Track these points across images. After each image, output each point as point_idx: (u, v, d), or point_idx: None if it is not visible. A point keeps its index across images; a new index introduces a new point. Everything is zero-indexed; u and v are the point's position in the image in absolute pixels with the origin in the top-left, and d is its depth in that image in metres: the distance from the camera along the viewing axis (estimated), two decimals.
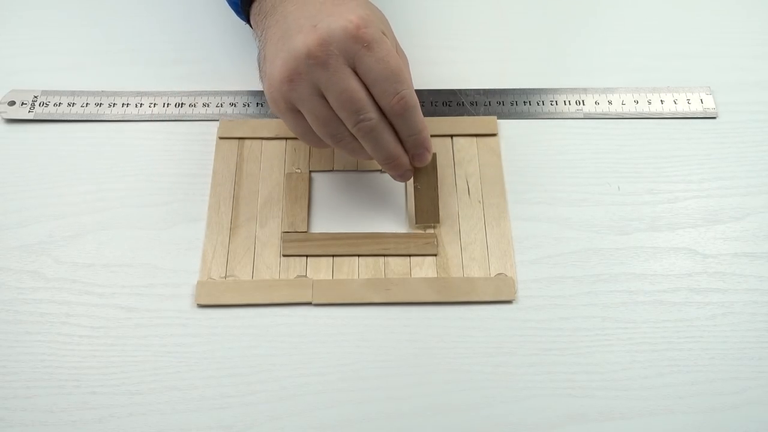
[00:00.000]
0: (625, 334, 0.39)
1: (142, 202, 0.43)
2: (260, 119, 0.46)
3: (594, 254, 0.42)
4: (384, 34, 0.37)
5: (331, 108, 0.37)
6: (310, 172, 0.44)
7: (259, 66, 0.40)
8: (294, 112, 0.38)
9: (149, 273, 0.41)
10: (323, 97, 0.37)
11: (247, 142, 0.45)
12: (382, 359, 0.38)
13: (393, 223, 0.43)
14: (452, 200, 0.43)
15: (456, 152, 0.45)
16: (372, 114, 0.37)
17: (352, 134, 0.38)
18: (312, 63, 0.36)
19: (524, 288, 0.40)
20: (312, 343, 0.39)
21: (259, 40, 0.40)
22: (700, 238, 0.42)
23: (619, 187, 0.44)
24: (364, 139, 0.38)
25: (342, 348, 0.39)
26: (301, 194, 0.43)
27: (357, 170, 0.45)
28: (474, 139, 0.46)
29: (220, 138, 0.45)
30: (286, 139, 0.45)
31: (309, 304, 0.40)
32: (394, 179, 0.41)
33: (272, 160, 0.44)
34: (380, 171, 0.44)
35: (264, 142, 0.45)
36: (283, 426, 0.36)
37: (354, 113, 0.37)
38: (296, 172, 0.44)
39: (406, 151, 0.40)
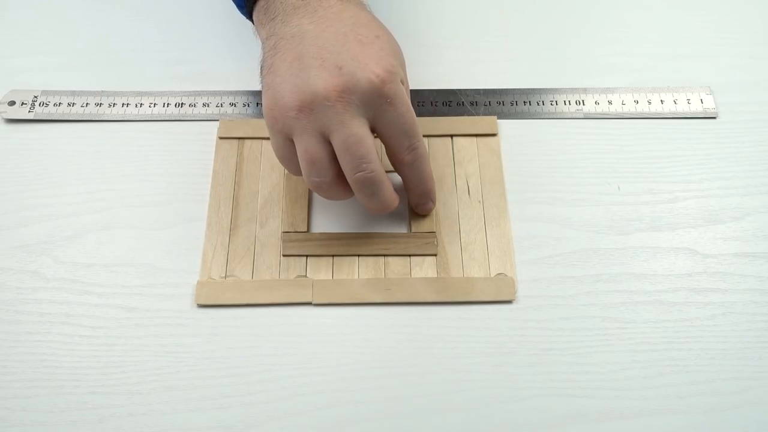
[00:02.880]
0: (625, 334, 0.39)
1: (142, 202, 0.43)
2: (260, 119, 0.46)
3: (594, 254, 0.42)
4: (402, 81, 0.37)
5: (325, 150, 0.36)
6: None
7: (261, 70, 0.39)
8: (286, 139, 0.37)
9: (149, 273, 0.41)
10: (323, 138, 0.36)
11: (247, 142, 0.45)
12: (382, 359, 0.38)
13: (393, 223, 0.43)
14: (452, 200, 0.43)
15: (456, 152, 0.45)
16: (375, 165, 0.36)
17: (335, 183, 0.37)
18: (328, 105, 0.35)
19: (524, 288, 0.40)
20: (312, 343, 0.39)
21: (265, 44, 0.39)
22: (700, 238, 0.42)
23: (619, 187, 0.44)
24: (362, 189, 0.37)
25: (342, 348, 0.39)
26: (301, 194, 0.43)
27: None
28: (474, 139, 0.46)
29: (220, 138, 0.45)
30: None
31: (309, 304, 0.40)
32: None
33: (272, 160, 0.44)
34: None
35: (264, 142, 0.45)
36: (283, 426, 0.36)
37: (358, 159, 0.36)
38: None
39: (409, 199, 0.41)
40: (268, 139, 0.45)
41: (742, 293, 0.40)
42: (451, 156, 0.45)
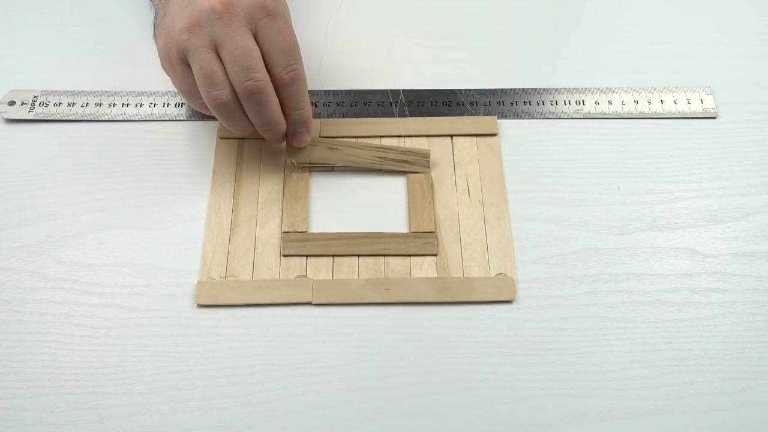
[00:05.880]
0: (625, 334, 0.39)
1: (142, 202, 0.43)
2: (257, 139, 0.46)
3: (594, 254, 0.42)
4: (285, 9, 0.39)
5: (219, 64, 0.38)
6: (310, 171, 0.44)
7: (155, 25, 0.42)
8: (183, 65, 0.39)
9: (149, 273, 0.41)
10: (216, 53, 0.38)
11: (247, 142, 0.45)
12: (382, 359, 0.38)
13: (393, 223, 0.43)
14: (452, 200, 0.43)
15: (456, 152, 0.45)
16: (262, 75, 0.38)
17: (233, 98, 0.39)
18: (215, 18, 0.37)
19: (524, 288, 0.40)
20: (312, 343, 0.39)
21: (159, 3, 0.42)
22: (700, 238, 0.42)
23: (619, 187, 0.44)
24: (249, 99, 0.39)
25: (342, 348, 0.39)
26: (301, 194, 0.43)
27: (357, 170, 0.45)
28: (474, 139, 0.46)
29: (220, 138, 0.45)
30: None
31: (309, 304, 0.40)
32: (267, 140, 0.43)
33: (272, 160, 0.44)
34: (380, 171, 0.44)
35: (264, 142, 0.45)
36: (283, 426, 0.36)
37: (246, 69, 0.38)
38: (296, 172, 0.44)
39: (287, 127, 0.42)
40: None
41: (742, 293, 0.40)
42: (451, 156, 0.45)
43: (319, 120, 0.46)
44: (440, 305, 0.40)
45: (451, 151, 0.45)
